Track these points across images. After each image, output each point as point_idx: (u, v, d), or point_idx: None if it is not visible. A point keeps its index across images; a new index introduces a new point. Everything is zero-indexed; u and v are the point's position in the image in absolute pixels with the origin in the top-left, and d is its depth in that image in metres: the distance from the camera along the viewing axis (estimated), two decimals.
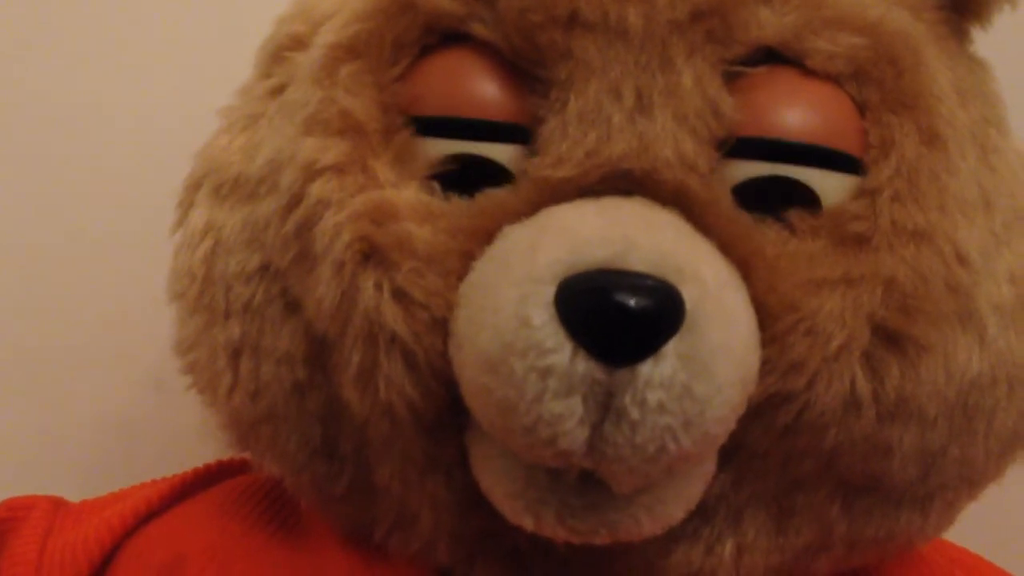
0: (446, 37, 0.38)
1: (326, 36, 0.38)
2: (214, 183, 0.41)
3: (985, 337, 0.38)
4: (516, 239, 0.35)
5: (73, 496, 0.48)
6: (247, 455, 0.43)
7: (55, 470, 0.60)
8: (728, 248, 0.35)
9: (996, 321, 0.38)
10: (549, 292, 0.32)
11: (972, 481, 0.40)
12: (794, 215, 0.36)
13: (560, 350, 0.32)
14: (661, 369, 0.32)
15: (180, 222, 0.43)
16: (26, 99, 0.61)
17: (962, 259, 0.37)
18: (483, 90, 0.37)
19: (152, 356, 0.60)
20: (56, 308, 0.60)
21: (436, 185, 0.37)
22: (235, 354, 0.39)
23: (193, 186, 0.42)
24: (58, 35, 0.61)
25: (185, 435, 0.57)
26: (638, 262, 0.32)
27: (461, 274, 0.35)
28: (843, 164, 0.37)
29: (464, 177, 0.37)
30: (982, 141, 0.40)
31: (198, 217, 0.41)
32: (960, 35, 0.42)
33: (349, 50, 0.37)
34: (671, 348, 0.32)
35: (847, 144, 0.37)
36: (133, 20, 0.61)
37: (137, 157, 0.60)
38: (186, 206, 0.42)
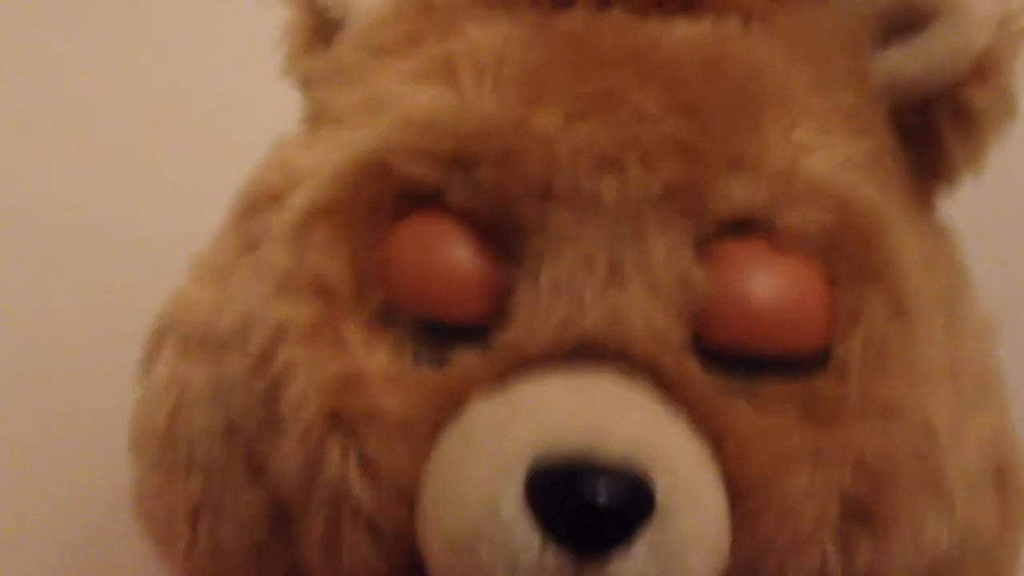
0: (420, 201, 0.38)
1: (301, 198, 0.38)
2: (181, 335, 0.41)
3: (954, 509, 0.38)
4: (485, 416, 0.35)
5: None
6: None
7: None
8: (699, 424, 0.35)
9: (965, 491, 0.38)
10: (519, 481, 0.32)
11: None
12: (763, 386, 0.36)
13: (530, 546, 0.31)
14: (633, 562, 0.31)
15: (145, 373, 0.42)
16: (45, 138, 0.61)
17: (931, 432, 0.37)
18: (455, 258, 0.37)
19: None
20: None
21: (407, 348, 0.36)
22: (194, 513, 0.39)
23: (158, 335, 0.42)
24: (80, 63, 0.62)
25: None
26: (609, 454, 0.32)
27: (430, 443, 0.35)
28: (803, 366, 0.37)
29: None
30: (948, 310, 0.40)
31: (162, 369, 0.41)
32: (927, 204, 0.43)
33: (324, 213, 0.37)
34: (642, 540, 0.32)
35: (811, 327, 0.37)
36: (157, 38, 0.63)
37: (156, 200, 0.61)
38: (151, 358, 0.42)
